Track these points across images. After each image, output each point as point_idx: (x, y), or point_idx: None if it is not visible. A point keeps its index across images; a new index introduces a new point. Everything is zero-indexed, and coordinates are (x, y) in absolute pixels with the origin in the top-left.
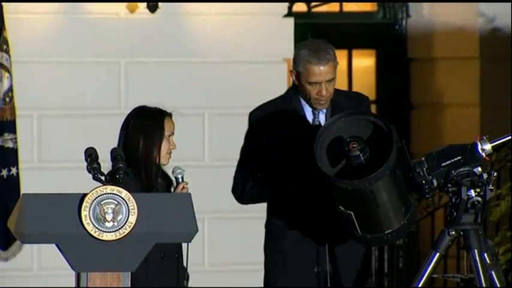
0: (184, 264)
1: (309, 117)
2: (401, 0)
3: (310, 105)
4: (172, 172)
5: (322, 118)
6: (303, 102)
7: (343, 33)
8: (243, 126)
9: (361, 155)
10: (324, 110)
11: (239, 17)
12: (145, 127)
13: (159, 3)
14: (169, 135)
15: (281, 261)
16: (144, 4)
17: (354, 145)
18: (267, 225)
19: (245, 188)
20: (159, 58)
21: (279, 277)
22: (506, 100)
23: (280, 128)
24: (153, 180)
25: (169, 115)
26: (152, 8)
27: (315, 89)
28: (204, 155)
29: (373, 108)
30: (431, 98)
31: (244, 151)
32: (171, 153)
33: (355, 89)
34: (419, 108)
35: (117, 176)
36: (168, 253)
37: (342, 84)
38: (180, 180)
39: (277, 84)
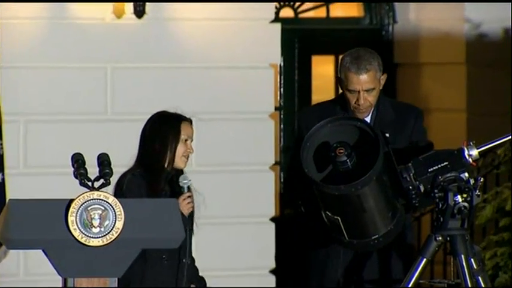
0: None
1: None
2: (387, 0)
3: (352, 113)
4: (179, 181)
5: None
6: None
7: (330, 39)
8: (230, 132)
9: (348, 160)
10: (368, 119)
11: (226, 22)
12: (161, 130)
13: (146, 9)
14: (186, 140)
15: (321, 265)
16: (131, 9)
17: (341, 150)
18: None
19: (294, 190)
20: (146, 63)
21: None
22: (493, 105)
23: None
24: (162, 184)
25: (188, 120)
26: (139, 14)
27: (354, 97)
28: (192, 160)
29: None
30: (417, 103)
31: (293, 150)
32: (188, 157)
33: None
34: None
35: (105, 182)
36: (169, 256)
37: (329, 90)
38: (186, 190)
39: (264, 90)
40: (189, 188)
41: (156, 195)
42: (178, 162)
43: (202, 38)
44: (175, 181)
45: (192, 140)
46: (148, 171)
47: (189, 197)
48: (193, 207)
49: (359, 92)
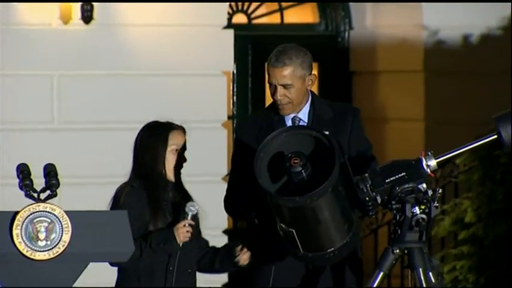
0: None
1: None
2: (343, 0)
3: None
4: (185, 206)
5: None
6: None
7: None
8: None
9: (303, 171)
10: (305, 117)
11: (177, 28)
12: (149, 140)
13: (94, 15)
14: (176, 149)
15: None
16: (79, 15)
17: (296, 161)
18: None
19: (233, 202)
20: (94, 71)
21: None
22: (452, 114)
23: (258, 140)
24: (162, 193)
25: (179, 128)
26: (87, 19)
27: (272, 90)
28: None
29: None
30: (374, 112)
31: (231, 162)
32: (180, 169)
33: None
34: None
35: (51, 193)
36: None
37: None
38: (189, 217)
39: (216, 98)
40: (193, 217)
41: (158, 206)
42: (169, 175)
43: (152, 44)
44: (179, 203)
45: (185, 149)
46: (146, 182)
47: (189, 225)
48: (190, 238)
49: (276, 85)
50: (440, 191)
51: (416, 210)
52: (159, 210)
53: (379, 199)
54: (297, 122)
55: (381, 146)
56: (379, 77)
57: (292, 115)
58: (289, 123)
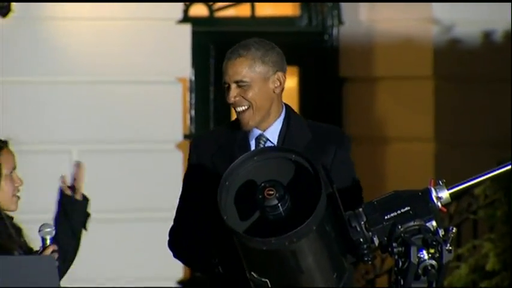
0: None
1: (251, 147)
2: (331, 0)
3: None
4: (39, 230)
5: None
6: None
7: None
8: (126, 167)
9: (279, 204)
10: (274, 142)
11: (120, 23)
12: None
13: (13, 6)
14: (11, 172)
15: None
16: None
17: (271, 192)
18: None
19: (181, 243)
20: (13, 77)
21: None
22: (469, 133)
23: (215, 162)
24: (8, 241)
25: (4, 145)
26: (3, 11)
27: (227, 93)
28: None
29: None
30: (370, 130)
31: (182, 189)
32: (18, 193)
33: None
34: (355, 143)
35: None
36: None
37: None
38: (49, 242)
39: (169, 112)
40: (52, 240)
41: (8, 252)
42: (9, 205)
43: (88, 43)
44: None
45: (15, 168)
46: None
47: (54, 251)
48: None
49: (229, 85)
50: (454, 231)
51: (424, 254)
52: (10, 250)
53: (376, 241)
54: (262, 143)
55: (379, 172)
56: (377, 85)
57: (257, 132)
58: (252, 143)
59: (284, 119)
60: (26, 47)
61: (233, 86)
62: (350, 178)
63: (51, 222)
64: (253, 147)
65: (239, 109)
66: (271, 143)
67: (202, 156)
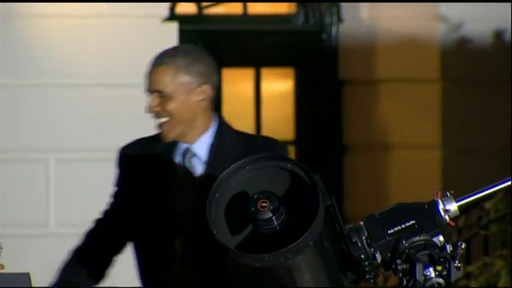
0: None
1: (178, 161)
2: (330, 0)
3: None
4: None
5: (196, 166)
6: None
7: (248, 45)
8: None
9: (274, 218)
10: (202, 156)
11: (99, 20)
12: None
13: None
14: None
15: None
16: None
17: (264, 204)
18: None
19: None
20: None
21: None
22: (479, 140)
23: (141, 176)
24: None
25: None
26: None
27: (148, 102)
28: (51, 219)
29: (291, 152)
30: (371, 136)
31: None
32: None
33: (265, 124)
34: (355, 151)
35: None
36: None
37: (248, 117)
38: None
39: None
40: None
41: None
42: None
43: (66, 42)
44: None
45: None
46: None
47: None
48: None
49: (152, 93)
50: (463, 246)
51: (431, 272)
52: None
53: (379, 257)
54: (187, 157)
55: (380, 183)
56: (379, 88)
57: (184, 146)
58: (179, 158)
59: (216, 132)
60: None
61: (154, 95)
62: None
63: None
64: (179, 161)
65: (159, 120)
66: (199, 157)
67: (129, 167)
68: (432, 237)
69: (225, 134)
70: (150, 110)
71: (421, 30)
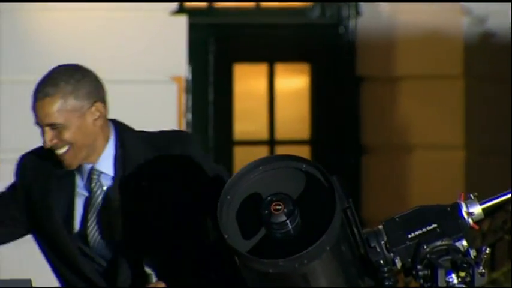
0: None
1: (81, 180)
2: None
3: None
4: None
5: (106, 183)
6: None
7: (262, 39)
8: None
9: (288, 221)
10: (110, 172)
11: (105, 13)
12: None
13: None
14: None
15: None
16: None
17: (278, 206)
18: None
19: None
20: None
21: None
22: (504, 139)
23: (33, 191)
24: None
25: None
26: None
27: (42, 136)
28: None
29: (305, 151)
30: (391, 137)
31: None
32: None
33: (279, 123)
34: (374, 151)
35: None
36: None
37: (261, 114)
38: None
39: (163, 116)
40: None
41: None
42: None
43: (68, 37)
44: None
45: None
46: None
47: None
48: None
49: (44, 128)
50: (488, 251)
51: (454, 278)
52: None
53: (398, 262)
54: (94, 177)
55: (401, 185)
56: (399, 85)
57: (88, 167)
58: (80, 183)
59: (116, 141)
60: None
61: (46, 128)
62: (211, 168)
63: None
64: (80, 183)
65: (59, 152)
66: (106, 174)
67: (24, 178)
68: (455, 241)
69: (128, 141)
70: (48, 145)
71: (444, 23)
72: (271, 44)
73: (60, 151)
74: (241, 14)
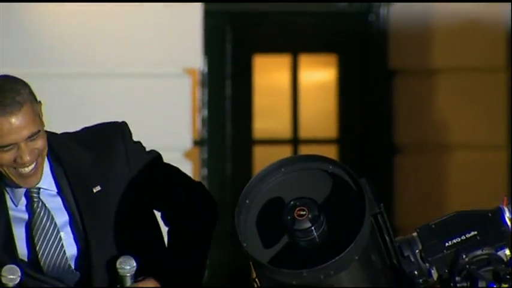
0: None
1: (12, 202)
2: None
3: (17, 185)
4: (119, 267)
5: (50, 201)
6: (10, 181)
7: (284, 28)
8: None
9: (313, 228)
10: (52, 188)
11: (115, 4)
12: None
13: None
14: None
15: None
16: None
17: (302, 212)
18: None
19: None
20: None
21: None
22: None
23: None
24: None
25: None
26: None
27: (10, 155)
28: None
29: (332, 151)
30: (426, 135)
31: None
32: None
33: (303, 119)
34: (407, 151)
35: None
36: None
37: (284, 110)
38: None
39: (176, 112)
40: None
41: None
42: None
43: (75, 28)
44: None
45: None
46: None
47: None
48: None
49: (18, 144)
50: None
51: None
52: None
53: (434, 273)
54: (35, 199)
55: (437, 188)
56: (436, 79)
57: (23, 189)
58: (11, 205)
59: (49, 152)
60: (8, 34)
61: (22, 145)
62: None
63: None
64: (12, 205)
65: (30, 168)
66: (50, 191)
67: None
68: (497, 250)
69: (58, 147)
70: (29, 162)
71: (485, 10)
72: (294, 33)
73: (32, 166)
74: (261, 1)
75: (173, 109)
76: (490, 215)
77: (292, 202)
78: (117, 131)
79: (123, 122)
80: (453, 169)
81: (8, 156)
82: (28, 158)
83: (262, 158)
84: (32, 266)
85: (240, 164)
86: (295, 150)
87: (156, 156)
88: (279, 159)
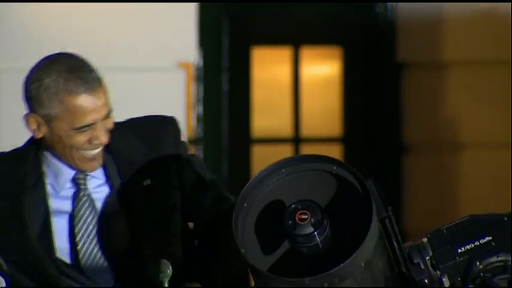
0: None
1: (53, 190)
2: None
3: (74, 168)
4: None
5: (96, 191)
6: (58, 165)
7: (285, 19)
8: None
9: (316, 233)
10: (100, 177)
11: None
12: None
13: None
14: None
15: None
16: None
17: (304, 216)
18: None
19: None
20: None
21: None
22: None
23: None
24: None
25: None
26: None
27: (85, 136)
28: None
29: (336, 151)
30: (439, 133)
31: None
32: None
33: (305, 116)
34: (417, 150)
35: None
36: None
37: (284, 107)
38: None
39: (169, 107)
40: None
41: None
42: None
43: (65, 21)
44: None
45: None
46: None
47: None
48: None
49: (95, 125)
50: None
51: None
52: None
53: (446, 282)
54: (81, 182)
55: (448, 190)
56: (447, 73)
57: (71, 173)
58: (52, 192)
59: None
60: (4, 30)
61: (99, 125)
62: (199, 164)
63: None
64: (67, 190)
65: (98, 150)
66: (97, 178)
67: None
68: None
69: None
70: (104, 142)
71: (494, 3)
72: (296, 24)
73: (100, 148)
74: None
75: (166, 105)
76: (505, 219)
77: (293, 205)
78: (168, 126)
79: (173, 117)
80: (466, 169)
81: (83, 137)
82: (104, 138)
83: (262, 158)
84: (68, 263)
85: (237, 165)
86: (296, 150)
87: (200, 160)
88: (279, 160)
